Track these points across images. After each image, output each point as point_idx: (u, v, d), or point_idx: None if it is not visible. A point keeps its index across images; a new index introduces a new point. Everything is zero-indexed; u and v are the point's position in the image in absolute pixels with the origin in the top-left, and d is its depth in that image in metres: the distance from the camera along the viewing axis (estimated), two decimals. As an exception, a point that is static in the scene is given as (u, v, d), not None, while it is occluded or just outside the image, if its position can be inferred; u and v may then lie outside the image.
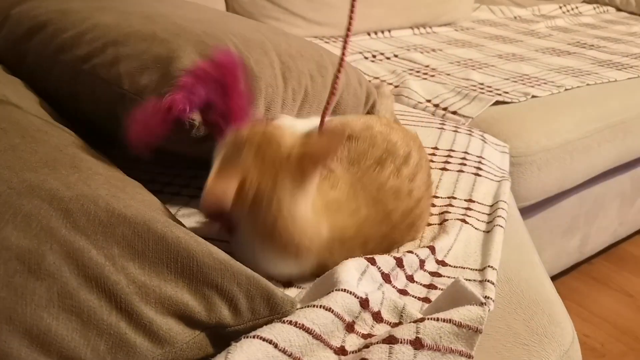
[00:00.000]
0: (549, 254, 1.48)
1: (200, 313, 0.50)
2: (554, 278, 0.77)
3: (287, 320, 0.51)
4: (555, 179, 1.28)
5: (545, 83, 1.48)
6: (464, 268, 0.69)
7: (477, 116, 1.27)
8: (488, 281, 0.65)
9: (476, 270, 0.69)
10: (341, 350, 0.52)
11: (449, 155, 0.99)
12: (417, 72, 1.55)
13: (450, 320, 0.53)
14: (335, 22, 1.86)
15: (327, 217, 0.64)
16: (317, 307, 0.53)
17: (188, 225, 0.68)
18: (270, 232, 0.60)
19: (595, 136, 1.35)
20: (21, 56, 0.89)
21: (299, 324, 0.51)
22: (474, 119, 1.27)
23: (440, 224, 0.77)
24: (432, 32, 2.09)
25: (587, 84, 1.49)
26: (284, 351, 0.49)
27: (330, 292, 0.56)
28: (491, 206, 0.84)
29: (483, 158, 0.99)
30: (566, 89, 1.44)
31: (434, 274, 0.68)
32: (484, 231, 0.77)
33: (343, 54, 0.69)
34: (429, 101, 1.35)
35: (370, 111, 0.96)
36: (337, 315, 0.53)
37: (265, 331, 0.50)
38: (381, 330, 0.56)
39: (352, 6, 0.67)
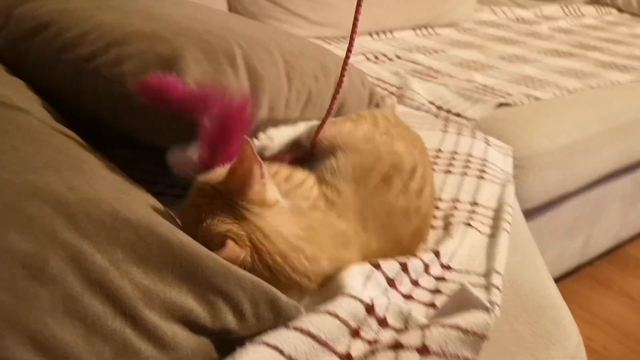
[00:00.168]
0: (551, 256, 1.48)
1: (205, 318, 0.49)
2: (555, 281, 0.77)
3: (293, 326, 0.51)
4: (557, 181, 1.28)
5: (548, 85, 1.47)
6: (469, 272, 0.69)
7: (480, 118, 1.27)
8: (493, 286, 0.65)
9: (481, 274, 0.68)
10: (347, 356, 0.52)
11: (452, 158, 0.98)
12: (420, 73, 1.54)
13: (456, 326, 0.53)
14: (337, 23, 1.86)
15: (334, 250, 0.61)
16: (322, 312, 0.53)
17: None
18: (268, 266, 0.57)
19: (598, 138, 1.34)
20: (23, 55, 0.88)
21: (305, 329, 0.51)
22: (477, 121, 1.26)
23: (445, 227, 0.77)
24: (434, 33, 2.08)
25: (590, 86, 1.49)
26: (289, 357, 0.48)
27: (335, 297, 0.55)
28: (495, 209, 0.83)
29: (487, 160, 0.99)
30: (569, 91, 1.43)
31: (439, 279, 0.67)
32: (488, 235, 0.77)
33: (347, 56, 0.68)
34: (432, 103, 1.34)
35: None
36: (343, 321, 0.53)
37: (271, 337, 0.49)
38: (387, 335, 0.55)
39: (358, 5, 0.66)
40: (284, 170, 0.68)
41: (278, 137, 0.76)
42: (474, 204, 0.83)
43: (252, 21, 1.00)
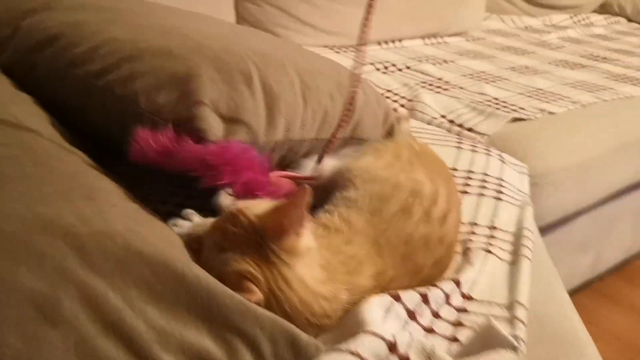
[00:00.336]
0: (561, 273, 1.44)
1: (222, 359, 0.47)
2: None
3: (314, 367, 0.49)
4: (572, 198, 1.26)
5: (561, 99, 1.45)
6: (491, 303, 0.66)
7: (493, 133, 1.25)
8: (517, 319, 0.62)
9: (504, 306, 0.66)
10: (369, 398, 0.50)
11: (468, 177, 0.96)
12: (430, 85, 1.52)
13: (483, 366, 0.50)
14: (345, 32, 1.84)
15: (348, 278, 0.59)
16: (344, 351, 0.51)
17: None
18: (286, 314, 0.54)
19: (613, 154, 1.32)
20: (30, 69, 0.86)
21: (326, 371, 0.48)
22: (490, 136, 1.24)
23: (464, 252, 0.75)
24: (443, 42, 2.06)
25: (604, 100, 1.46)
26: (311, 401, 0.46)
27: (356, 334, 0.53)
28: (515, 233, 0.81)
29: (503, 180, 0.96)
30: (583, 105, 1.41)
31: (460, 310, 0.65)
32: (509, 262, 0.74)
33: (357, 73, 0.66)
34: (443, 117, 1.32)
35: (389, 131, 0.93)
36: (365, 361, 0.51)
37: (291, 379, 0.47)
38: (410, 375, 0.53)
39: (367, 18, 0.63)
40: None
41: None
42: (492, 227, 0.81)
43: (265, 35, 0.97)
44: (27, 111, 0.71)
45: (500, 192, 0.92)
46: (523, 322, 0.62)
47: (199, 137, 0.68)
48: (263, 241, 0.55)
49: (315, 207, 0.68)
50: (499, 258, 0.74)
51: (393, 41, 1.97)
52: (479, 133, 1.25)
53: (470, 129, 1.26)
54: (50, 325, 0.41)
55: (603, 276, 1.72)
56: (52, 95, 0.82)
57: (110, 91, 0.75)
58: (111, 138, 0.80)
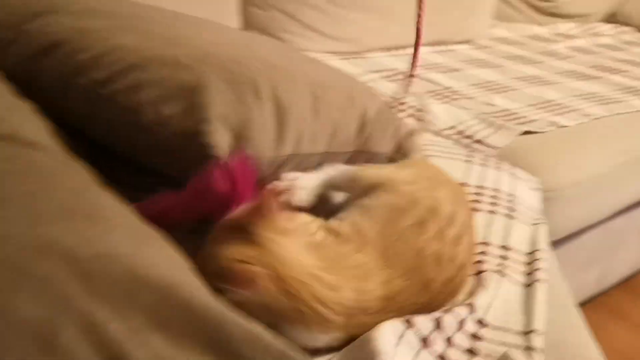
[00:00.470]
0: (568, 287, 1.43)
1: (230, 392, 0.45)
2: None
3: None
4: (582, 214, 1.23)
5: (572, 111, 1.42)
6: (506, 330, 0.64)
7: (504, 146, 1.22)
8: (534, 349, 0.60)
9: (519, 332, 0.64)
10: None
11: (478, 193, 0.93)
12: (438, 94, 1.50)
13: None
14: (351, 38, 1.81)
15: (356, 282, 0.59)
16: (356, 383, 0.49)
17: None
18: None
19: (625, 169, 1.30)
20: (32, 75, 0.84)
21: (338, 404, 0.46)
22: (499, 149, 1.22)
23: (477, 274, 0.72)
24: (450, 49, 2.04)
25: (616, 114, 1.44)
26: None
27: (369, 365, 0.51)
28: (529, 254, 0.78)
29: (515, 197, 0.94)
30: (595, 118, 1.39)
31: (474, 337, 0.63)
32: (523, 284, 0.72)
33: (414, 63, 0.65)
34: (452, 128, 1.30)
35: (399, 145, 0.90)
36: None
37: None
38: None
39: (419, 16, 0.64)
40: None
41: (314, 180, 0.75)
42: (505, 248, 0.79)
43: (275, 44, 0.95)
44: (29, 122, 0.68)
45: (513, 209, 0.89)
46: (540, 352, 0.60)
47: (205, 152, 0.66)
48: (248, 231, 0.57)
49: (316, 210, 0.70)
50: (514, 281, 0.72)
51: (399, 48, 1.94)
52: (489, 146, 1.22)
53: (479, 141, 1.24)
54: (49, 357, 0.39)
55: (608, 291, 1.70)
56: (56, 102, 0.80)
57: (115, 101, 0.72)
58: (117, 146, 0.78)
